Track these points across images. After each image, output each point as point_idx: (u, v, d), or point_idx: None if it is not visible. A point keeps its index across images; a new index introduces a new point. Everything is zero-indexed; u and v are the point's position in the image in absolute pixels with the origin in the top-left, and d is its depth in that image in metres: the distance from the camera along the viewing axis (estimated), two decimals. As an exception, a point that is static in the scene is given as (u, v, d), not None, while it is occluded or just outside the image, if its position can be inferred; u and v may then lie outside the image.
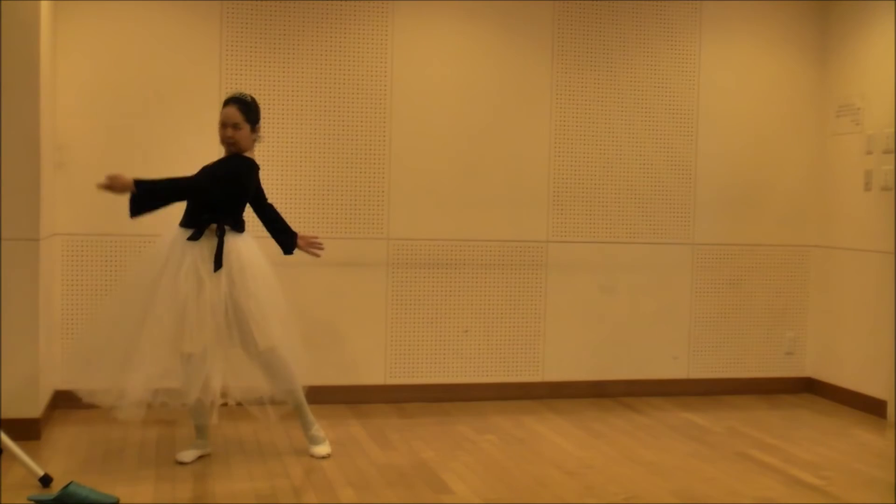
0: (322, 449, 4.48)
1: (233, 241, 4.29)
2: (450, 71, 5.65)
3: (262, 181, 5.60)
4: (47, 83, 4.79)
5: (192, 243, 4.23)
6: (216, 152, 5.33)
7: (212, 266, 4.20)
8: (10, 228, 4.50)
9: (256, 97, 5.35)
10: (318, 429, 4.52)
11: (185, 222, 4.30)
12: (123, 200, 5.23)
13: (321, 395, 5.49)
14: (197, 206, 4.30)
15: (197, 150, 5.32)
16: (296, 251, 4.64)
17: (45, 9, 4.69)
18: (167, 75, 5.29)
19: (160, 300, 4.15)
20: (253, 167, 4.46)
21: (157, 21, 5.26)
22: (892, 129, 5.51)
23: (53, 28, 5.03)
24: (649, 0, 5.88)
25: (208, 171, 4.37)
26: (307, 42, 5.44)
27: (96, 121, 5.21)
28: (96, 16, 5.18)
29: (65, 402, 5.18)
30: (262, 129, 4.53)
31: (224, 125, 4.36)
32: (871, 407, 5.61)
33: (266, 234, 4.62)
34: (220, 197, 4.30)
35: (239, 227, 4.37)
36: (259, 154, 5.40)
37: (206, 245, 4.24)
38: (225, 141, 4.37)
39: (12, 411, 4.46)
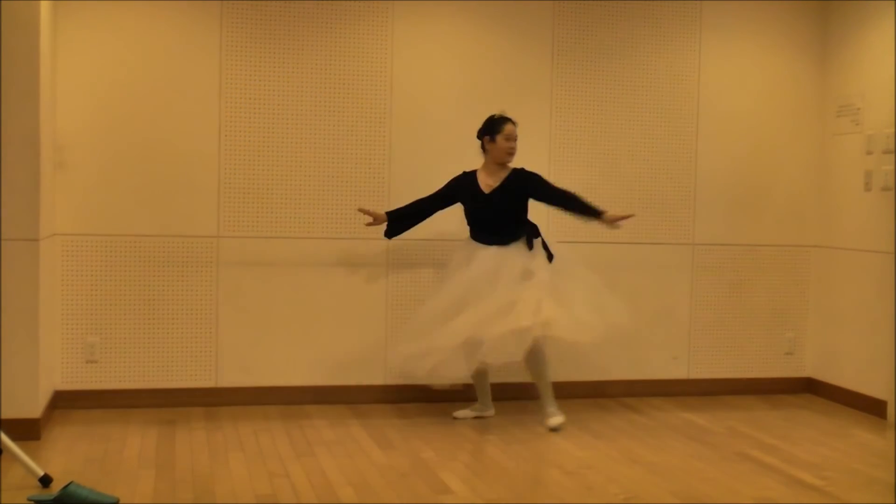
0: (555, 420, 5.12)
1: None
2: (450, 71, 5.65)
3: (265, 180, 5.62)
4: (47, 83, 4.79)
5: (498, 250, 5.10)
6: (215, 152, 5.35)
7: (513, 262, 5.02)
8: (10, 228, 4.50)
9: (256, 97, 5.42)
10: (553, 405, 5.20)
11: (497, 241, 5.12)
12: (123, 201, 5.26)
13: (321, 395, 5.51)
14: (503, 225, 5.15)
15: (197, 150, 5.34)
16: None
17: (45, 9, 4.69)
18: (167, 75, 5.29)
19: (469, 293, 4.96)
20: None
21: (157, 21, 5.26)
22: (892, 129, 5.51)
23: (53, 28, 5.03)
24: (649, 0, 5.88)
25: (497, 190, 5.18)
26: (307, 42, 5.44)
27: (96, 121, 5.21)
28: (96, 16, 5.19)
29: (65, 402, 5.19)
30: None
31: (509, 139, 5.15)
32: (871, 407, 5.61)
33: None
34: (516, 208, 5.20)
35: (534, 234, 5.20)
36: (260, 154, 5.42)
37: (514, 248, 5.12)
38: (511, 153, 5.16)
39: (12, 411, 4.46)
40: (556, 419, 5.12)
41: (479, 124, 5.66)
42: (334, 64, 5.48)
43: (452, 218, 5.61)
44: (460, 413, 5.29)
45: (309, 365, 5.52)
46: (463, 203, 5.25)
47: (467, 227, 5.27)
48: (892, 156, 5.51)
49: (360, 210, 5.26)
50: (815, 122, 6.15)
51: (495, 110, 5.67)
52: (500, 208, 5.16)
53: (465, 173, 5.25)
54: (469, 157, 5.64)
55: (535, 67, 5.75)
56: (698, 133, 6.00)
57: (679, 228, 5.99)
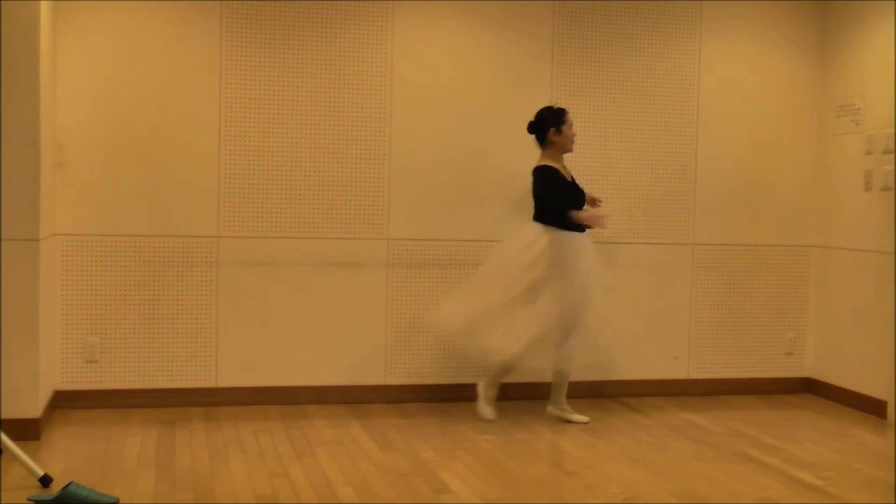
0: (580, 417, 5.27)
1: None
2: (450, 70, 5.65)
3: (265, 180, 5.62)
4: (47, 83, 4.79)
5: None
6: (216, 152, 5.35)
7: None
8: (10, 228, 4.50)
9: (256, 97, 5.41)
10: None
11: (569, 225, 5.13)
12: (123, 201, 5.26)
13: (321, 395, 5.51)
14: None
15: (197, 150, 5.34)
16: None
17: (45, 9, 4.69)
18: (167, 75, 5.29)
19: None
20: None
21: (156, 21, 5.26)
22: (892, 129, 5.51)
23: (53, 28, 5.03)
24: (650, 0, 5.88)
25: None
26: (307, 42, 5.44)
27: (96, 120, 5.21)
28: (96, 15, 5.18)
29: (65, 402, 5.19)
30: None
31: (572, 126, 5.22)
32: (871, 407, 5.61)
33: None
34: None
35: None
36: (260, 154, 5.42)
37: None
38: (574, 141, 5.24)
39: (12, 411, 4.46)
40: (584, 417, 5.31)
41: (479, 124, 5.67)
42: (334, 64, 5.48)
43: (452, 217, 5.62)
44: (487, 412, 5.28)
45: (309, 365, 5.52)
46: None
47: (549, 218, 5.17)
48: (892, 156, 5.51)
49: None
50: (815, 122, 6.15)
51: (495, 110, 5.69)
52: (584, 195, 5.30)
53: (549, 166, 5.18)
54: (469, 157, 5.65)
55: (535, 67, 5.74)
56: (698, 133, 6.00)
57: (679, 228, 5.99)
